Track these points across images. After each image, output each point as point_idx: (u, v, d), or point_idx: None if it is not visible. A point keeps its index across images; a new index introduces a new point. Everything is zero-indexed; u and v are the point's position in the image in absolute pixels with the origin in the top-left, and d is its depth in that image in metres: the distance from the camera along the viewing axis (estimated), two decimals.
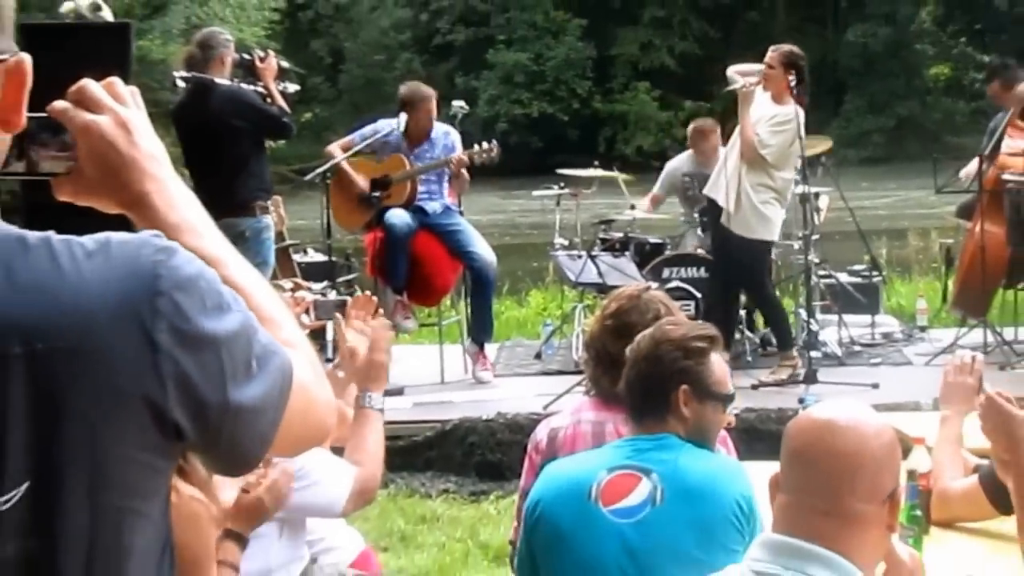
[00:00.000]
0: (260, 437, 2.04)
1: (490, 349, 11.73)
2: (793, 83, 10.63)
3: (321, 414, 2.17)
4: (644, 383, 4.40)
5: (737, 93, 10.82)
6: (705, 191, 10.96)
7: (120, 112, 2.20)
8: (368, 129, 11.43)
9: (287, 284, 7.56)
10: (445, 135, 11.46)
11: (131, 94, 2.29)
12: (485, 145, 11.23)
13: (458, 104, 12.13)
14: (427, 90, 11.64)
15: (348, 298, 6.64)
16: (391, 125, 11.27)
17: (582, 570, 4.21)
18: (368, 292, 7.08)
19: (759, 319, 11.49)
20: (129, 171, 2.15)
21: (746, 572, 3.12)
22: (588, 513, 4.20)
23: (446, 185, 11.53)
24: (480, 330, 11.39)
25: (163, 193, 2.15)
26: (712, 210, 10.90)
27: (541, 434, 5.06)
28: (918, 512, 3.77)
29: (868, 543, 3.08)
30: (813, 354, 10.60)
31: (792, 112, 10.58)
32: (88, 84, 2.27)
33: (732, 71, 10.92)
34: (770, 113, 10.65)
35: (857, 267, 12.04)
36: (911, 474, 3.80)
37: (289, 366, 2.04)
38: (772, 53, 10.92)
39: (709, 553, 3.50)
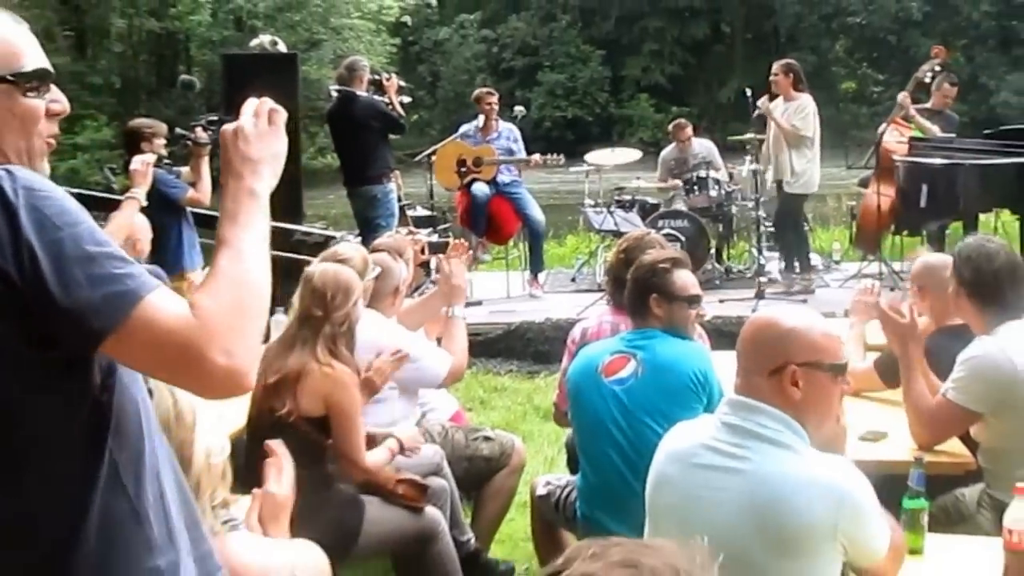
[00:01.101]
0: (88, 332, 1.78)
1: (541, 276, 11.72)
2: (793, 82, 10.88)
3: (177, 356, 1.83)
4: (632, 295, 4.48)
5: (764, 112, 11.00)
6: (768, 177, 11.16)
7: (242, 122, 2.12)
8: (464, 128, 11.82)
9: (403, 231, 7.57)
10: (509, 131, 11.80)
11: (273, 113, 2.17)
12: (554, 156, 11.36)
13: (519, 109, 12.76)
14: (487, 90, 12.16)
15: (448, 240, 6.65)
16: (472, 126, 11.62)
17: (592, 418, 4.39)
18: (461, 239, 7.13)
19: (724, 253, 11.46)
20: (224, 162, 2.09)
21: (716, 420, 3.12)
22: (596, 381, 4.34)
23: (514, 167, 11.61)
24: (534, 264, 11.63)
25: (234, 186, 2.07)
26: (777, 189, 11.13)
27: (576, 332, 5.15)
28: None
29: (801, 402, 3.05)
30: (761, 279, 10.55)
31: (808, 100, 10.91)
32: (249, 100, 2.19)
33: (760, 102, 11.10)
34: (794, 107, 10.81)
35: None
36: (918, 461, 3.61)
37: (133, 299, 1.80)
38: (775, 67, 11.18)
39: (673, 409, 3.50)
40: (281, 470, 2.77)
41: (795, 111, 10.77)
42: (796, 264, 11.26)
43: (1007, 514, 3.19)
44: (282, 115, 2.16)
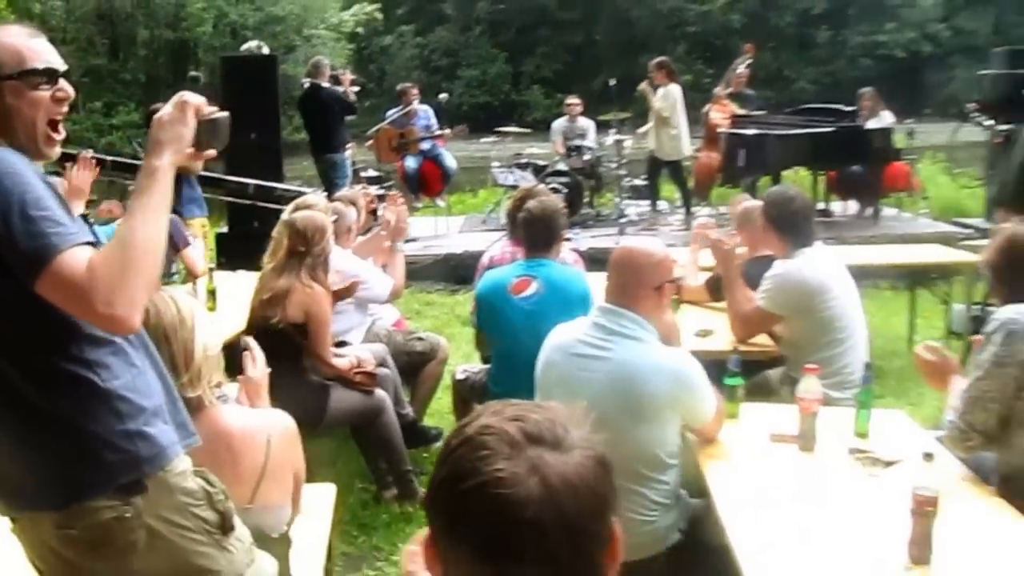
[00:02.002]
0: (26, 272, 1.78)
1: (460, 219, 11.64)
2: (665, 74, 10.82)
3: (76, 301, 1.78)
4: (542, 234, 4.38)
5: (643, 94, 10.96)
6: (651, 148, 11.10)
7: (162, 111, 2.01)
8: (390, 113, 11.59)
9: (358, 187, 7.48)
10: (426, 112, 11.73)
11: (184, 104, 2.03)
12: (458, 127, 11.50)
13: (443, 96, 12.46)
14: (409, 85, 12.10)
15: (390, 193, 6.60)
16: (397, 111, 11.49)
17: (505, 328, 4.27)
18: (399, 192, 7.13)
19: (595, 201, 11.42)
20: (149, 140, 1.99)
21: (589, 321, 3.12)
22: (507, 299, 4.26)
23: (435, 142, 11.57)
24: (445, 180, 11.91)
25: (144, 164, 1.97)
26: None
27: (484, 258, 5.11)
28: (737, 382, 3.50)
29: (648, 307, 3.06)
30: (622, 220, 10.55)
31: (673, 89, 10.78)
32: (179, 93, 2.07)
33: (640, 87, 11.02)
34: (661, 93, 10.75)
35: (643, 177, 11.91)
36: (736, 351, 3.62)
37: (52, 252, 1.77)
38: (651, 64, 11.08)
39: (566, 318, 3.46)
40: (255, 360, 2.73)
41: (661, 97, 10.72)
42: (682, 208, 11.30)
43: (799, 387, 3.23)
44: (191, 105, 2.03)
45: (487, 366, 4.74)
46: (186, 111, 2.01)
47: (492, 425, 1.22)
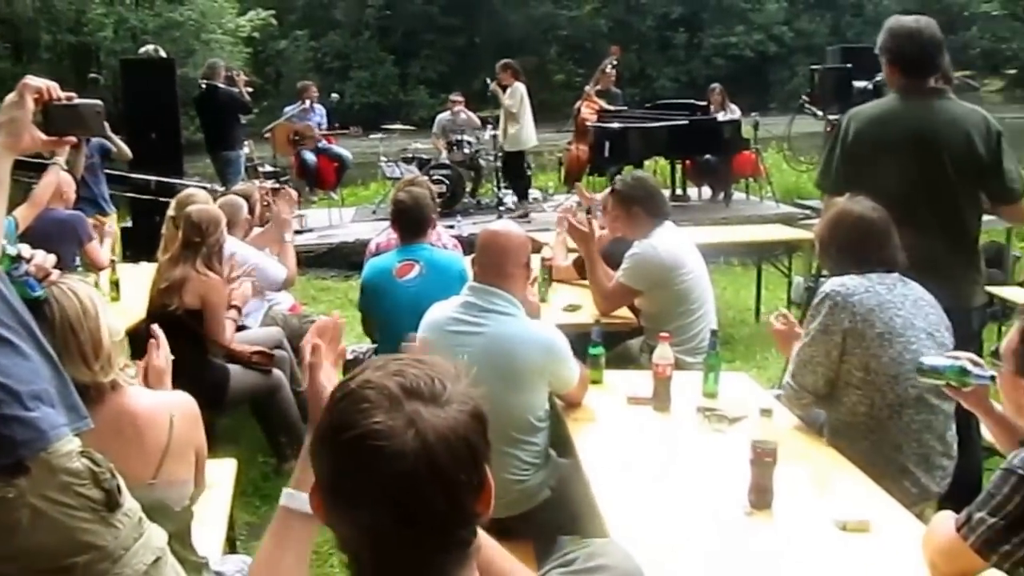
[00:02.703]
0: None
1: (352, 209, 11.49)
2: (511, 74, 10.73)
3: None
4: (418, 223, 4.34)
5: (493, 93, 10.93)
6: (504, 144, 10.87)
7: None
8: (288, 109, 11.32)
9: (255, 182, 7.33)
10: (320, 111, 11.43)
11: (24, 86, 1.90)
12: (354, 128, 11.43)
13: (335, 96, 12.35)
14: (308, 83, 11.84)
15: (283, 187, 6.50)
16: (295, 108, 11.22)
17: (391, 309, 4.18)
18: (293, 189, 7.05)
19: (475, 191, 11.38)
20: None
21: (462, 299, 3.12)
22: (392, 282, 4.19)
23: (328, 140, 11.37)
24: (341, 173, 11.71)
25: None
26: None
27: (372, 245, 5.01)
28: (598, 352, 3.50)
29: (516, 286, 3.08)
30: (501, 207, 10.57)
31: (518, 87, 10.71)
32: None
33: (491, 87, 10.96)
34: (508, 91, 10.70)
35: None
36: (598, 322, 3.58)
37: None
38: (498, 65, 11.03)
39: (445, 295, 3.43)
40: (159, 347, 2.65)
41: (508, 95, 10.70)
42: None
43: (655, 354, 3.28)
44: (30, 88, 1.90)
45: (374, 345, 4.70)
46: (24, 94, 1.89)
47: (372, 380, 1.21)
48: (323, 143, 11.30)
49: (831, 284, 2.97)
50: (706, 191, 11.30)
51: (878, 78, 4.15)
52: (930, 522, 2.24)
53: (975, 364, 2.45)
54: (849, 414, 2.95)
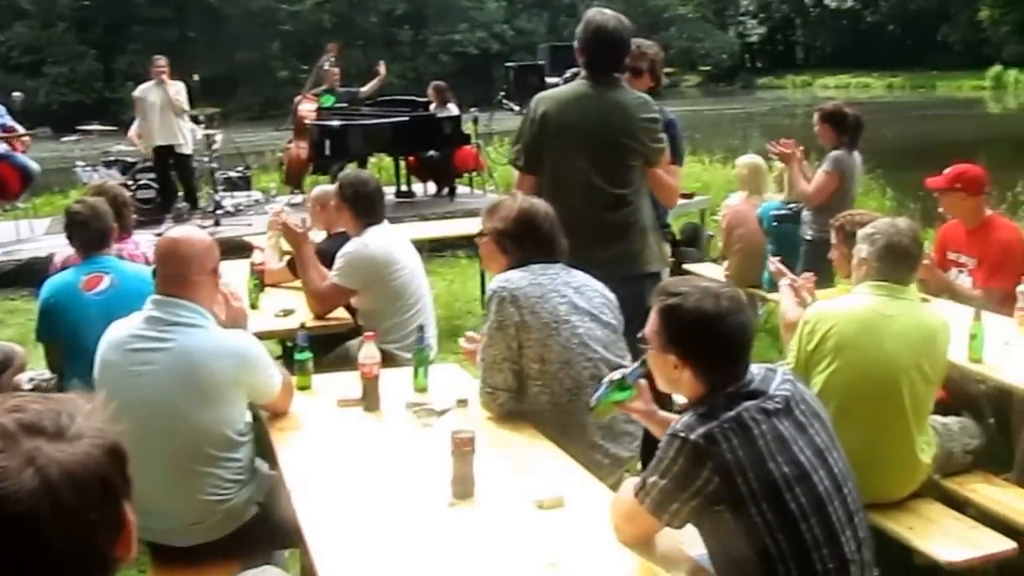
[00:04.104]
0: None
1: (47, 220, 10.37)
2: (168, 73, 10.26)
3: None
4: (91, 232, 4.10)
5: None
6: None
7: None
8: None
9: None
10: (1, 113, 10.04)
11: None
12: (42, 129, 10.54)
13: (17, 94, 11.08)
14: None
15: None
16: None
17: (80, 325, 3.87)
18: None
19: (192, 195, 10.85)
20: None
21: (143, 315, 2.96)
22: (78, 296, 3.93)
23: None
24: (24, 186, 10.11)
25: None
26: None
27: (57, 259, 4.70)
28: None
29: (203, 295, 2.96)
30: (219, 212, 10.12)
31: (180, 86, 10.31)
32: None
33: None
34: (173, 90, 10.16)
35: (238, 170, 11.59)
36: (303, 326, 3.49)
37: None
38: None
39: (134, 307, 3.23)
40: None
41: (174, 93, 10.15)
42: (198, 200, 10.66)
43: (360, 354, 3.26)
44: None
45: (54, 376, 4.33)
46: None
47: None
48: (2, 147, 10.12)
49: (496, 281, 3.09)
50: (431, 186, 11.45)
51: (568, 74, 4.47)
52: (619, 489, 2.37)
53: (619, 369, 2.68)
54: (534, 403, 3.06)
